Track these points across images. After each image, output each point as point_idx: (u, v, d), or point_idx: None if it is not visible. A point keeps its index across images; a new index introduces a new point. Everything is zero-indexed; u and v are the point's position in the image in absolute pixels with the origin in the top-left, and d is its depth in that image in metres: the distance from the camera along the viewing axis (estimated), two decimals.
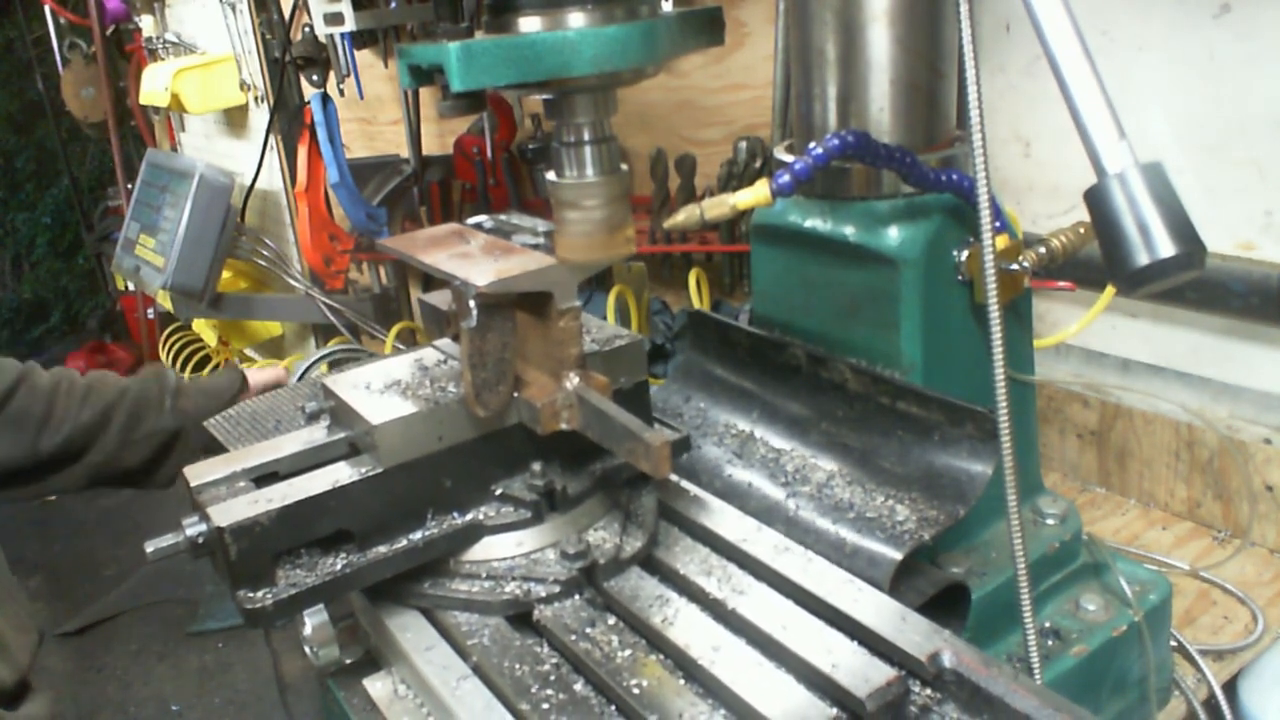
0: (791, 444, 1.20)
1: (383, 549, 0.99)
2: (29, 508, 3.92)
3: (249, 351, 3.83)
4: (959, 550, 1.15)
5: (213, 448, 1.24)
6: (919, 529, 1.01)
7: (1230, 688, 1.32)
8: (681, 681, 0.89)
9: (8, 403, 1.44)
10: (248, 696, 2.75)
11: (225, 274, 3.06)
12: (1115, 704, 1.17)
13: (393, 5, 2.25)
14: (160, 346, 3.93)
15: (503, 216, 1.18)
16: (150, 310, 4.36)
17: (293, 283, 3.04)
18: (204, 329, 3.67)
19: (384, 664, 1.05)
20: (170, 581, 3.31)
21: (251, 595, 0.92)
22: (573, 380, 1.00)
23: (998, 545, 1.15)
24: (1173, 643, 1.28)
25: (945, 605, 1.01)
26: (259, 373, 1.71)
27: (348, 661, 1.08)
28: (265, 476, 1.03)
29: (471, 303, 0.96)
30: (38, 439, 1.46)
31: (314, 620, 0.97)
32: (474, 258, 1.03)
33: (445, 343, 1.17)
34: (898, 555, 0.99)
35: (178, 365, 3.82)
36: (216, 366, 3.80)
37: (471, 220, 1.19)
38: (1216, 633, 1.37)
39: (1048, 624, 1.15)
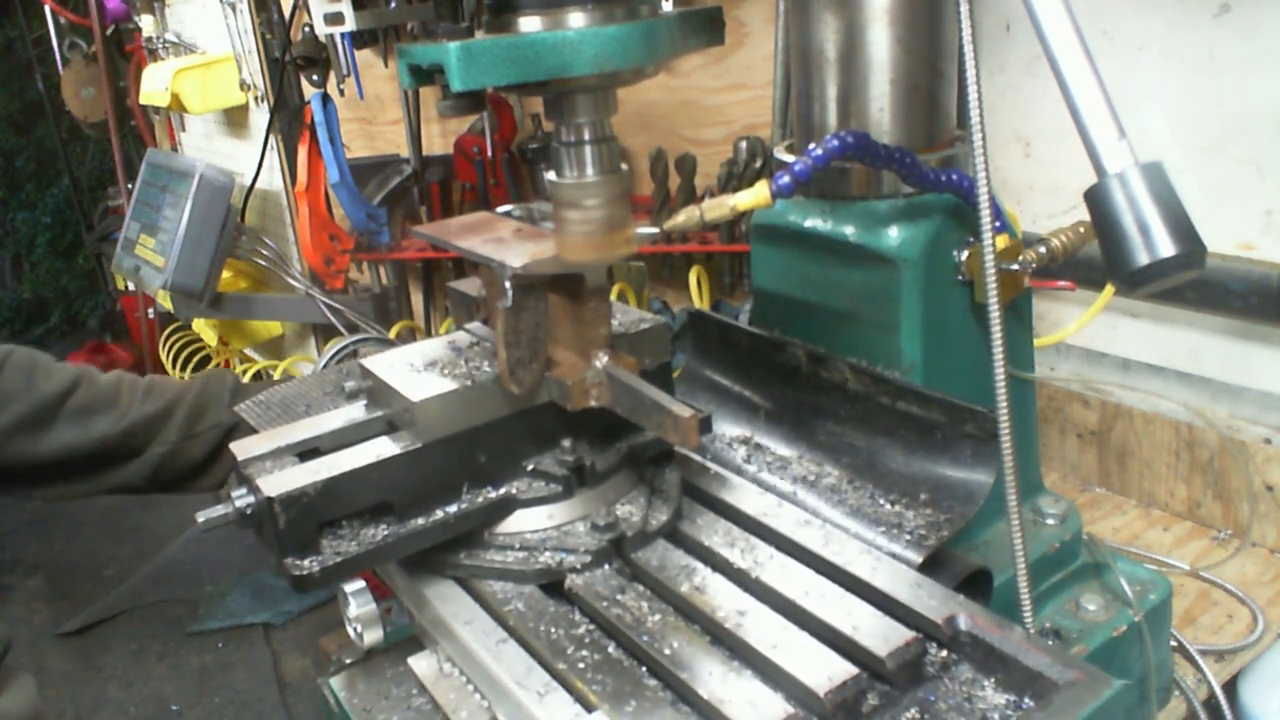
0: (798, 448, 1.21)
1: (421, 520, 1.02)
2: (29, 508, 3.92)
3: (249, 351, 3.83)
4: (959, 549, 1.14)
5: None
6: (929, 533, 1.03)
7: (1230, 688, 1.32)
8: (710, 644, 0.92)
9: (69, 398, 1.46)
10: (248, 696, 2.75)
11: (225, 274, 3.06)
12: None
13: (393, 5, 2.25)
14: (160, 346, 3.93)
15: (531, 205, 1.20)
16: (150, 310, 4.36)
17: (293, 283, 3.04)
18: (204, 329, 3.67)
19: (428, 643, 1.07)
20: (170, 581, 3.31)
21: (299, 563, 0.95)
22: (602, 359, 1.04)
23: (998, 545, 1.15)
24: (1173, 643, 1.28)
25: (965, 592, 1.02)
26: None
27: (347, 662, 1.09)
28: (308, 452, 1.06)
29: (507, 284, 1.00)
30: (102, 426, 1.47)
31: (359, 602, 1.01)
32: (507, 242, 1.07)
33: (476, 326, 1.20)
34: (916, 559, 1.01)
35: (177, 365, 3.81)
36: (216, 367, 3.80)
37: (501, 209, 1.21)
38: (1217, 633, 1.37)
39: (1048, 624, 1.15)
